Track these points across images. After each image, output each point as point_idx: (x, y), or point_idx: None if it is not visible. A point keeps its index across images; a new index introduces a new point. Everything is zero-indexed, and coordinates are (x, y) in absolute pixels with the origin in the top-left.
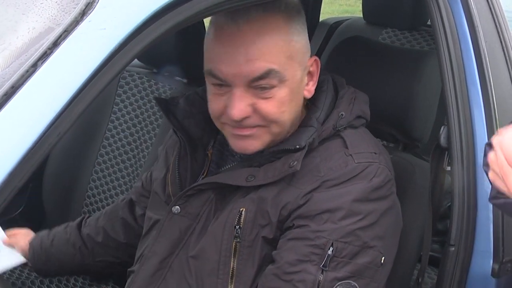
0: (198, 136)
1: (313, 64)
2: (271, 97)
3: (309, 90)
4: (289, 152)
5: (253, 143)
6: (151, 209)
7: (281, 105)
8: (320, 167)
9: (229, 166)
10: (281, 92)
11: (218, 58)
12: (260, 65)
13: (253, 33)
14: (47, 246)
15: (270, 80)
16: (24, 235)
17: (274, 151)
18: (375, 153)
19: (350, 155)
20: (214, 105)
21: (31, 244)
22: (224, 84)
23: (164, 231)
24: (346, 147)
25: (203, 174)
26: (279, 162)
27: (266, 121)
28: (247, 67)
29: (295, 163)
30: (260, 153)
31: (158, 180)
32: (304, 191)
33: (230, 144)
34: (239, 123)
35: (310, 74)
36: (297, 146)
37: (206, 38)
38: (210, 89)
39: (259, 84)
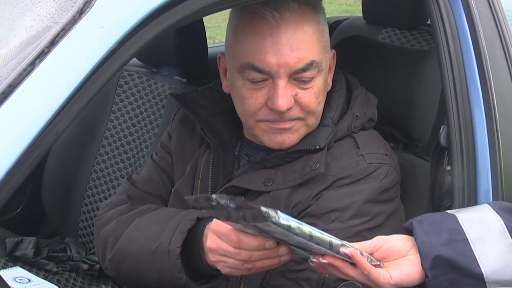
0: (227, 136)
1: (332, 57)
2: (310, 87)
3: (328, 83)
4: (307, 152)
5: (291, 136)
6: (174, 204)
7: (318, 95)
8: (332, 167)
9: (242, 167)
10: (318, 82)
11: (261, 49)
12: (304, 56)
13: (293, 25)
14: None
15: (312, 71)
16: None
17: (290, 152)
18: (385, 155)
19: (362, 155)
20: (251, 100)
21: None
22: (263, 79)
23: None
24: (358, 147)
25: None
26: (298, 164)
27: (305, 113)
28: (292, 57)
29: (318, 165)
30: (271, 153)
31: (182, 181)
32: (315, 191)
33: (264, 141)
34: (281, 116)
35: (329, 67)
36: (317, 147)
37: (236, 31)
38: (244, 84)
39: (301, 76)
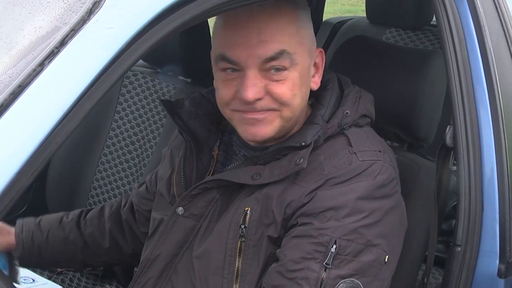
0: (204, 137)
1: (318, 56)
2: (283, 80)
3: (316, 82)
4: (294, 149)
5: (264, 128)
6: (156, 209)
7: (293, 88)
8: (324, 165)
9: (233, 165)
10: (292, 75)
11: (231, 42)
12: (273, 46)
13: (266, 17)
14: (41, 241)
15: (283, 61)
16: (3, 228)
17: (279, 148)
18: (379, 151)
19: (354, 153)
20: (224, 90)
21: (20, 237)
22: (236, 69)
23: (168, 233)
24: (350, 145)
25: (209, 175)
26: (284, 159)
27: (278, 104)
28: (260, 48)
29: (301, 161)
30: (264, 149)
31: (163, 181)
32: (308, 189)
33: (240, 133)
34: (252, 106)
35: (316, 65)
36: (303, 143)
37: (216, 27)
38: (219, 76)
39: (272, 65)
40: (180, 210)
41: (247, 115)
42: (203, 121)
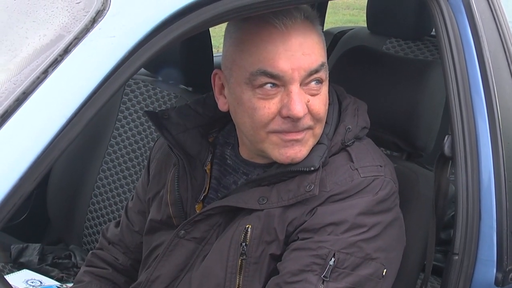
0: (195, 152)
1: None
2: (319, 94)
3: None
4: (302, 172)
5: (302, 149)
6: (150, 233)
7: (326, 103)
8: (326, 182)
9: (232, 182)
10: (324, 89)
11: (273, 56)
12: (316, 58)
13: (302, 32)
14: None
15: (322, 73)
16: None
17: (285, 171)
18: (380, 166)
19: (356, 169)
20: (263, 110)
21: None
22: (275, 85)
23: (168, 255)
24: (352, 161)
25: (204, 192)
26: (292, 183)
27: (315, 120)
28: (305, 60)
29: (312, 187)
30: (265, 166)
31: (155, 202)
32: (310, 207)
33: (274, 156)
34: (295, 125)
35: None
36: (312, 168)
37: (240, 42)
38: (253, 94)
39: (314, 78)
40: (182, 233)
41: (287, 136)
42: (193, 135)
